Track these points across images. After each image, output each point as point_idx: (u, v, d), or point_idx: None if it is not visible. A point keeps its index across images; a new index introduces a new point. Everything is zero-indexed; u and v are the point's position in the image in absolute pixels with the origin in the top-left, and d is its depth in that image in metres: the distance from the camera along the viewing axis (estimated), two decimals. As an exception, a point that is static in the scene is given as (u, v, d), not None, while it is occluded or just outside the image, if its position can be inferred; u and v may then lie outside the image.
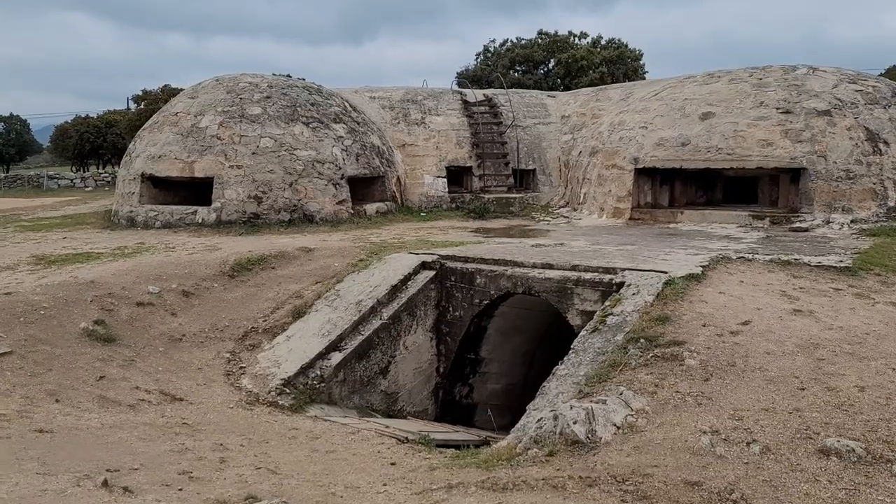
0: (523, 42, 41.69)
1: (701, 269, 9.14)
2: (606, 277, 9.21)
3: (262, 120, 15.73)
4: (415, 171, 18.24)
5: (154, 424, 7.04)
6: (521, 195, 18.15)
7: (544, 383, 7.67)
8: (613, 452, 5.46)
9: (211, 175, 15.21)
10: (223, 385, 8.58)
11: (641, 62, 41.43)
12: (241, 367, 9.05)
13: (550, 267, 9.90)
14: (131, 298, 9.82)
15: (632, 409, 5.98)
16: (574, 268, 9.69)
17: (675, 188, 16.22)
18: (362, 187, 16.60)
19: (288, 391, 8.59)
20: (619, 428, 5.80)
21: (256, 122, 15.69)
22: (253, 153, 15.25)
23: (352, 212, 15.75)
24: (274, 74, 19.63)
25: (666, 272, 8.84)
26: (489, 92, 20.80)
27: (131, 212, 15.84)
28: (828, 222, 13.54)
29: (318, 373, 8.99)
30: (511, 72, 39.77)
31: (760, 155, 14.41)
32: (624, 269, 9.11)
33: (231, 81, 16.83)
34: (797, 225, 13.55)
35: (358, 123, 17.13)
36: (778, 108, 14.81)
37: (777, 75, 15.77)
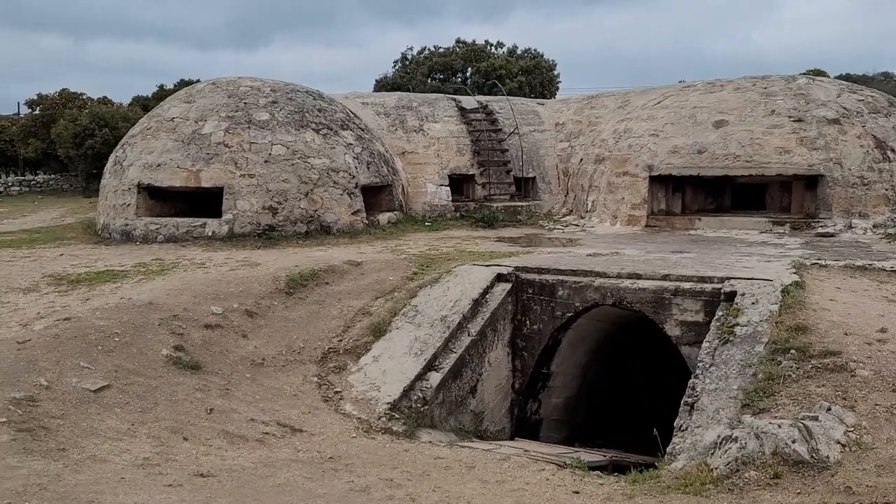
0: (441, 50, 41.81)
1: (797, 276, 9.14)
2: (708, 287, 9.06)
3: (271, 126, 14.90)
4: (416, 179, 17.73)
5: (301, 461, 6.39)
6: (527, 203, 17.93)
7: (687, 399, 7.41)
8: (857, 472, 5.26)
9: (220, 185, 14.27)
10: (328, 412, 7.95)
11: (556, 72, 42.43)
12: (336, 392, 8.42)
13: (639, 277, 9.68)
14: (198, 321, 9.00)
15: (847, 425, 5.80)
16: (666, 277, 9.51)
17: (687, 195, 16.38)
18: (371, 196, 15.97)
19: (397, 416, 8.05)
20: (843, 446, 5.61)
21: (266, 128, 14.84)
22: (265, 161, 14.42)
23: (366, 222, 15.13)
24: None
25: (770, 280, 8.77)
26: (483, 98, 20.53)
27: (127, 225, 14.66)
28: (850, 227, 13.92)
29: (420, 395, 8.47)
30: (429, 80, 39.73)
31: (779, 162, 14.71)
32: (728, 278, 8.98)
33: (230, 85, 15.88)
34: (822, 230, 13.87)
35: (363, 130, 16.51)
36: (790, 117, 15.16)
37: (781, 84, 16.15)
